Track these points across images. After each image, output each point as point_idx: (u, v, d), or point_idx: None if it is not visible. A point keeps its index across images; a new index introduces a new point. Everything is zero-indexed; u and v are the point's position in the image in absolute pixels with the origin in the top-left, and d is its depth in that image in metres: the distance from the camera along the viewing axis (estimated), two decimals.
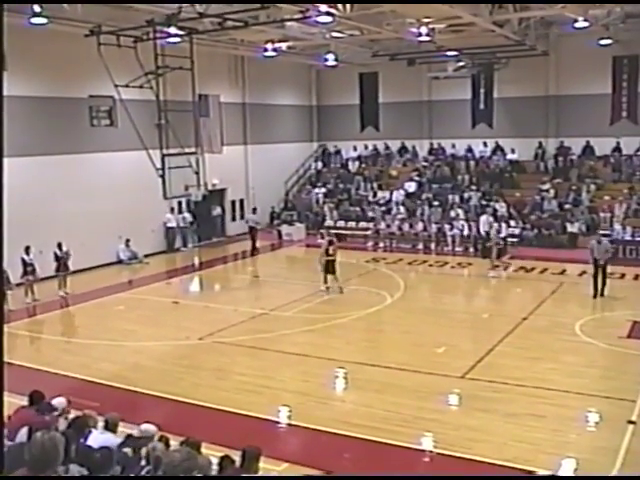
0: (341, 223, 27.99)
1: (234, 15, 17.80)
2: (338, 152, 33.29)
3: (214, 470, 6.00)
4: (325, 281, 18.43)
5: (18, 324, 15.94)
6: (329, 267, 18.23)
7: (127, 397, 11.31)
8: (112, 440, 6.47)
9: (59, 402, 7.44)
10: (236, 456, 6.48)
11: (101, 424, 7.08)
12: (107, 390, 11.63)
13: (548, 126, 28.72)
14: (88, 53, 18.47)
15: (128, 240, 23.27)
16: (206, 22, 19.19)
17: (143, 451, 6.02)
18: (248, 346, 13.99)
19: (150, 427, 6.96)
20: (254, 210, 27.19)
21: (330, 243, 18.54)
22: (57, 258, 18.71)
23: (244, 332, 14.94)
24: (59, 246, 18.75)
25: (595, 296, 17.29)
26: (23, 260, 17.90)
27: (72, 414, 7.30)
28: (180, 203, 25.82)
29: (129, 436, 6.70)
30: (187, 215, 26.30)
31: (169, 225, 25.38)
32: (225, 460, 6.21)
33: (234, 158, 28.23)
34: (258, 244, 26.02)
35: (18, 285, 17.51)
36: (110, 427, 6.96)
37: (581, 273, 20.18)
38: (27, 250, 17.94)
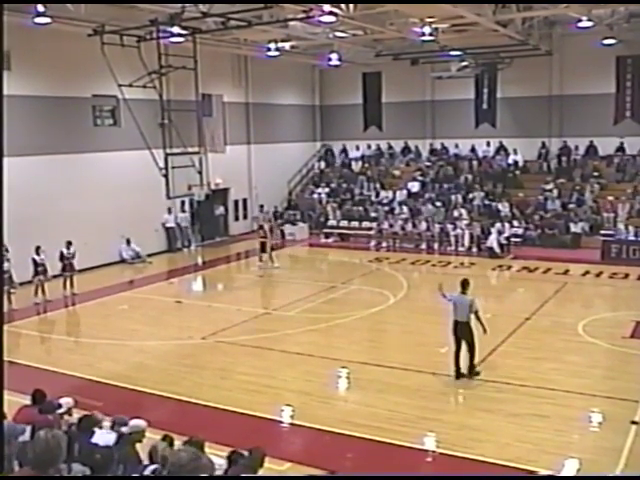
0: (344, 223, 28.01)
1: (237, 15, 17.82)
2: (341, 152, 33.28)
3: (221, 468, 6.00)
4: (260, 259, 22.20)
5: (21, 323, 15.95)
6: (263, 247, 22.09)
7: (130, 396, 11.31)
8: (112, 440, 6.46)
9: (66, 402, 7.44)
10: None
11: (106, 424, 7.07)
12: (110, 389, 11.65)
13: (551, 126, 28.65)
14: (91, 53, 18.48)
15: (129, 239, 23.28)
16: (209, 22, 19.22)
17: (139, 447, 6.01)
18: (251, 346, 13.99)
19: (140, 422, 6.93)
20: (261, 207, 27.14)
21: (264, 227, 22.50)
22: (63, 258, 18.57)
23: (247, 332, 14.94)
24: (68, 245, 18.61)
25: (458, 376, 11.67)
26: (34, 260, 17.90)
27: (75, 413, 7.31)
28: (183, 203, 25.84)
29: (121, 435, 6.67)
30: (189, 215, 26.36)
31: (168, 225, 25.45)
32: (234, 454, 6.23)
33: (237, 158, 28.25)
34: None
35: (22, 284, 17.51)
36: (117, 428, 6.94)
37: (584, 273, 20.18)
38: (37, 250, 17.91)
